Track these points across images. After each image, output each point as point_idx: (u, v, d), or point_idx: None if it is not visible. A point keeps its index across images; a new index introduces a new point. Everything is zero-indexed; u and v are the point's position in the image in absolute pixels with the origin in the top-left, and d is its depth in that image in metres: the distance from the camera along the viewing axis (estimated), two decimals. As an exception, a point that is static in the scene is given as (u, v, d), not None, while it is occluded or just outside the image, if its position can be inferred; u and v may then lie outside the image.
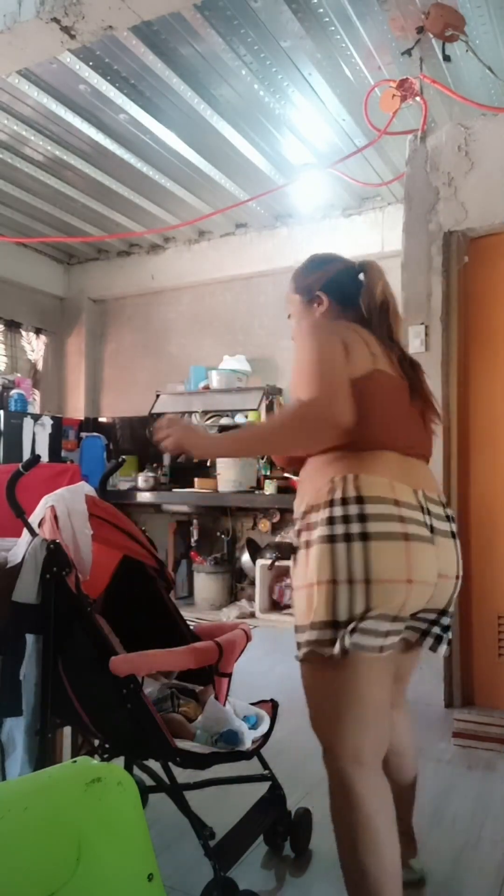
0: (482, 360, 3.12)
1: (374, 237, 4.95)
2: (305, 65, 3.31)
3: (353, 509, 1.34)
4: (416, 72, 3.12)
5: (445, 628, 1.50)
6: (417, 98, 3.11)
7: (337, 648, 1.31)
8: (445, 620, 1.49)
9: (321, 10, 2.92)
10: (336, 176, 4.41)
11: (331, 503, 1.36)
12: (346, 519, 1.33)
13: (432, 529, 1.41)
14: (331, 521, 1.34)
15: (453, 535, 1.49)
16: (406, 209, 3.23)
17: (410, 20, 2.94)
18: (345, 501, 1.35)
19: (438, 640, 1.50)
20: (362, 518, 1.33)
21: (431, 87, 3.18)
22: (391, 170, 4.38)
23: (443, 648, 1.50)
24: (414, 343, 3.13)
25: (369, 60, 3.26)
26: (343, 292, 1.63)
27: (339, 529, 1.33)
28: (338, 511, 1.34)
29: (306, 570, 1.37)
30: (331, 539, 1.33)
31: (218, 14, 2.94)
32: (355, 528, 1.32)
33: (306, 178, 4.49)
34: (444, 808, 2.16)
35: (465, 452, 3.12)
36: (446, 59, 3.09)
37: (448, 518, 1.50)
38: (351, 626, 1.31)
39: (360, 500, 1.34)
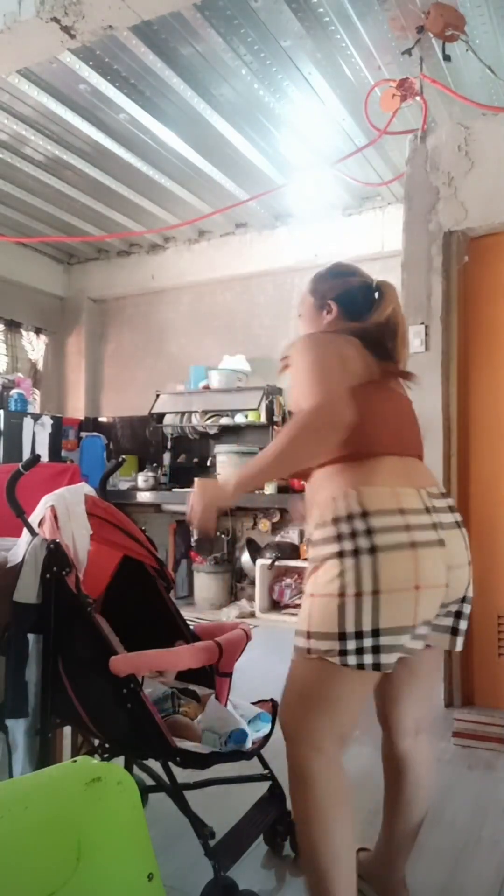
0: (482, 360, 3.12)
1: (374, 237, 4.95)
2: (305, 64, 3.31)
3: (359, 524, 1.36)
4: (416, 71, 3.12)
5: (461, 617, 1.52)
6: (417, 98, 3.11)
7: (352, 661, 1.34)
8: (466, 609, 1.52)
9: (321, 10, 2.92)
10: (336, 176, 4.41)
11: (336, 521, 1.39)
12: (353, 535, 1.36)
13: (440, 526, 1.44)
14: (339, 538, 1.37)
15: (458, 525, 1.52)
16: (406, 209, 3.23)
17: (410, 20, 2.94)
18: (350, 518, 1.38)
19: (461, 633, 1.53)
20: (369, 532, 1.36)
21: (431, 86, 3.18)
22: (391, 169, 4.38)
23: (460, 642, 1.52)
24: (414, 343, 3.13)
25: (369, 60, 3.26)
26: (354, 307, 1.65)
27: (348, 545, 1.36)
28: (344, 528, 1.37)
29: (315, 581, 1.41)
30: (340, 555, 1.36)
31: (218, 14, 2.94)
32: (363, 542, 1.35)
33: (306, 178, 4.49)
34: (444, 808, 2.16)
35: (465, 452, 3.12)
36: (446, 58, 3.09)
37: (451, 509, 1.53)
38: (369, 642, 1.34)
39: (364, 514, 1.37)
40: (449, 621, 1.51)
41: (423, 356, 3.10)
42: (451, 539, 1.46)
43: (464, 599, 1.51)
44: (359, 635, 1.33)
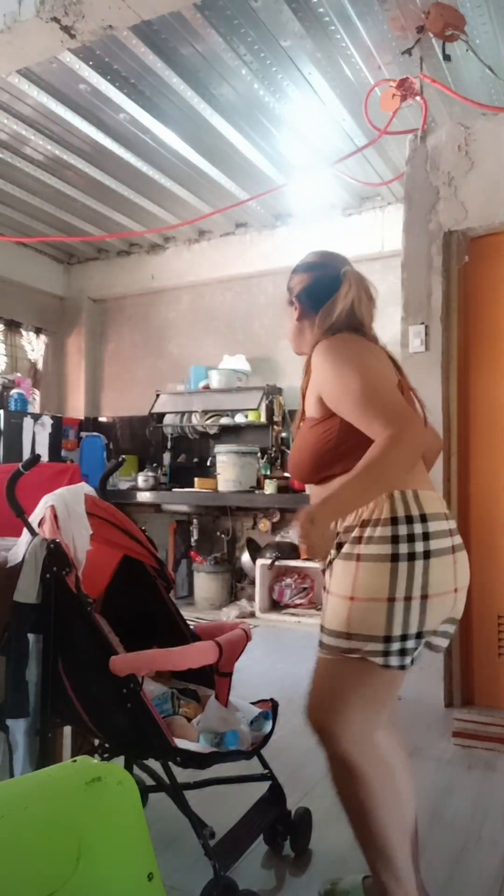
0: (482, 360, 3.12)
1: (374, 237, 4.95)
2: (305, 64, 3.31)
3: (419, 528, 1.37)
4: (416, 71, 3.12)
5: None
6: (417, 98, 3.11)
7: (395, 662, 1.36)
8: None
9: (321, 10, 2.92)
10: (336, 176, 4.41)
11: (394, 521, 1.37)
12: (411, 538, 1.36)
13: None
14: (395, 539, 1.36)
15: None
16: (406, 209, 3.23)
17: (410, 20, 2.94)
18: (410, 520, 1.37)
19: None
20: (426, 536, 1.37)
21: (431, 86, 3.18)
22: (391, 169, 4.38)
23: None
24: (414, 343, 3.13)
25: (369, 60, 3.26)
26: (316, 301, 1.61)
27: (404, 549, 1.35)
28: (403, 530, 1.37)
29: (354, 582, 1.38)
30: (395, 558, 1.35)
31: (218, 14, 2.94)
32: (420, 546, 1.36)
33: (306, 178, 4.49)
34: (444, 808, 2.16)
35: (465, 452, 3.12)
36: (446, 58, 3.09)
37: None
38: (412, 644, 1.36)
39: (424, 518, 1.38)
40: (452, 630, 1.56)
41: (423, 356, 3.11)
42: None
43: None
44: (404, 638, 1.35)
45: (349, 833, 2.00)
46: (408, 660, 1.37)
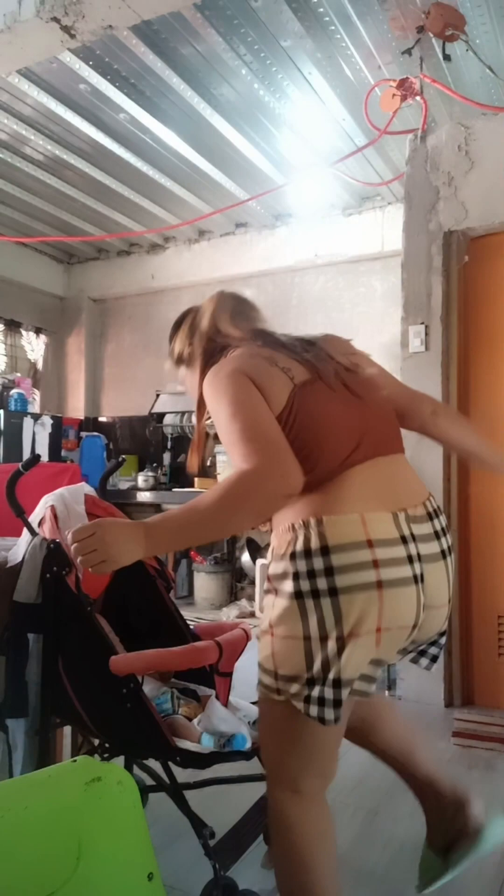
0: (482, 360, 3.12)
1: (374, 237, 4.95)
2: (305, 64, 3.31)
3: (318, 563, 1.21)
4: (417, 71, 3.12)
5: (440, 647, 1.46)
6: (417, 97, 3.12)
7: (314, 712, 1.23)
8: (442, 641, 1.45)
9: (321, 10, 2.91)
10: (336, 176, 4.41)
11: (293, 556, 1.24)
12: (311, 574, 1.22)
13: (419, 558, 1.27)
14: (296, 576, 1.23)
15: (444, 555, 1.35)
16: (406, 209, 3.23)
17: (411, 20, 2.94)
18: (308, 554, 1.22)
19: (433, 659, 1.47)
20: (329, 572, 1.21)
21: (431, 86, 3.18)
22: (391, 169, 4.38)
23: (429, 664, 1.47)
24: (414, 343, 3.13)
25: (369, 60, 3.26)
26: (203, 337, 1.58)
27: (305, 585, 1.22)
28: (301, 566, 1.23)
29: (273, 615, 1.28)
30: (298, 595, 1.23)
31: (218, 13, 2.94)
32: (322, 583, 1.21)
33: (306, 177, 4.49)
34: (444, 808, 2.16)
35: (465, 452, 3.12)
36: (446, 58, 3.09)
37: (437, 535, 1.34)
38: (329, 693, 1.22)
39: (325, 550, 1.21)
40: (422, 653, 1.45)
41: (423, 356, 3.11)
42: (432, 573, 1.30)
43: (441, 634, 1.42)
44: (324, 682, 1.22)
45: (347, 832, 2.00)
46: (328, 713, 1.22)
